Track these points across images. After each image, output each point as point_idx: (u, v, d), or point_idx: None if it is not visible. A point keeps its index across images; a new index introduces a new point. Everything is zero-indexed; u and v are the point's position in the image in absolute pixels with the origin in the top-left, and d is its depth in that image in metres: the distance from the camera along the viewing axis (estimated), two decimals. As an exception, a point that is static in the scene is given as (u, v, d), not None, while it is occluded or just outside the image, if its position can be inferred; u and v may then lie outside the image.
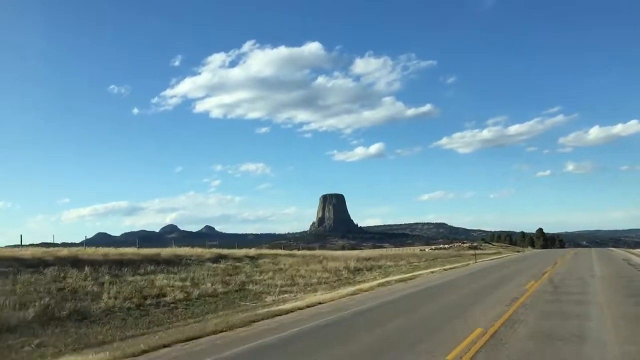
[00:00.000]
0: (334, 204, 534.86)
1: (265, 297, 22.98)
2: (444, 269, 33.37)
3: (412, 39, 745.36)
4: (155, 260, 29.39)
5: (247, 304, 21.20)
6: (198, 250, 36.99)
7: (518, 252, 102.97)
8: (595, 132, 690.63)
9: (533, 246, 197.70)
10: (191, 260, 32.15)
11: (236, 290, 24.67)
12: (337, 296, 19.11)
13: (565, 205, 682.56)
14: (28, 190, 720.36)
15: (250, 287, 25.94)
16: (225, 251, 39.84)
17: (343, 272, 35.93)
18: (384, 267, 43.02)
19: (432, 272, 30.70)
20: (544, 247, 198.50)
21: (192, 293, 22.46)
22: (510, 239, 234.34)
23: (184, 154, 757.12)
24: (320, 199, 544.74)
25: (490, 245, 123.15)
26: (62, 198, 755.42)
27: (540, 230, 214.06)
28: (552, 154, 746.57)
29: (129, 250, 31.56)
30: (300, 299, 22.20)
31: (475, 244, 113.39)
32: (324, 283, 30.21)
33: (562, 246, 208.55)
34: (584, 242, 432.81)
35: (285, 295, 24.04)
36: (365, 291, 20.84)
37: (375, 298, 17.75)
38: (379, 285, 22.96)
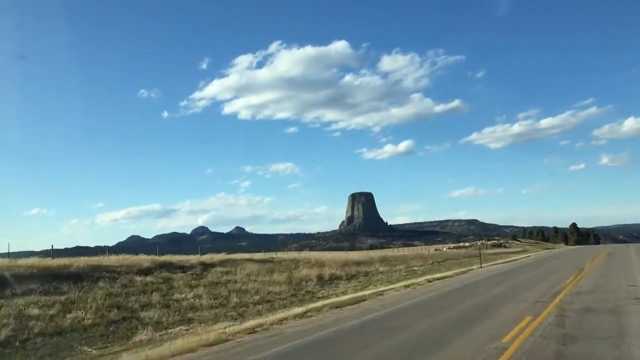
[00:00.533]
0: (363, 202, 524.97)
1: (140, 335, 15.38)
2: (429, 280, 25.12)
3: (440, 34, 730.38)
4: (56, 275, 22.43)
5: (90, 350, 13.66)
6: (134, 259, 29.78)
7: (547, 249, 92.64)
8: (630, 124, 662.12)
9: (567, 242, 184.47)
10: (113, 272, 24.97)
11: (115, 321, 17.22)
12: (201, 342, 11.35)
13: (600, 198, 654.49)
14: (62, 196, 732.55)
15: (147, 313, 18.49)
16: (176, 258, 32.65)
17: (309, 284, 28.30)
18: (372, 274, 35.06)
19: (406, 286, 22.56)
20: (578, 242, 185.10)
21: (32, 328, 15.20)
22: (543, 234, 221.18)
23: (213, 156, 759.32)
24: (349, 197, 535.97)
25: (518, 243, 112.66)
26: (96, 202, 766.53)
27: (574, 225, 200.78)
28: (585, 147, 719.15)
29: (27, 262, 24.38)
30: (190, 334, 14.65)
31: (501, 241, 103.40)
32: (268, 302, 22.66)
33: (597, 242, 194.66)
34: (621, 237, 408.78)
35: (178, 328, 16.47)
36: (266, 329, 13.11)
37: (237, 354, 9.92)
38: (307, 312, 15.13)
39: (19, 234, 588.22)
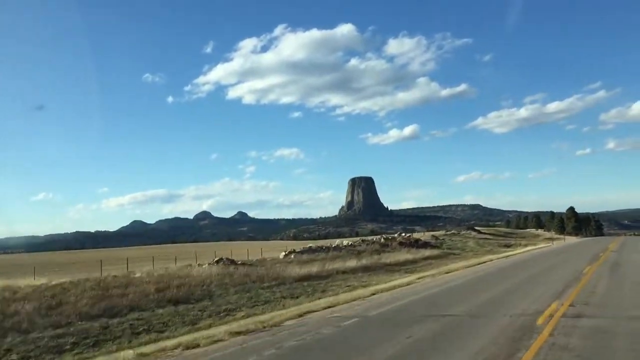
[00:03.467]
0: (363, 187, 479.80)
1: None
2: None
3: (448, 17, 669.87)
4: None
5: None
6: None
7: (508, 247, 49.63)
8: (638, 107, 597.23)
9: (563, 229, 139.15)
10: None
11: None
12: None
13: (606, 183, 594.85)
14: (68, 180, 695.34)
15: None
16: None
17: None
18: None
19: None
20: (577, 229, 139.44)
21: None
22: (539, 220, 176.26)
23: (218, 141, 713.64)
24: (349, 182, 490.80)
25: (474, 235, 67.96)
26: (101, 187, 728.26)
27: (572, 209, 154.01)
28: (592, 131, 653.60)
29: None
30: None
31: (424, 236, 59.49)
32: None
33: (599, 231, 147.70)
34: (626, 222, 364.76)
35: None
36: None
37: None
38: None
39: (25, 218, 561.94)
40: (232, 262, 29.31)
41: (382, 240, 47.16)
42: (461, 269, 23.29)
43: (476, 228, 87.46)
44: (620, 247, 39.93)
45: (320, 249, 38.25)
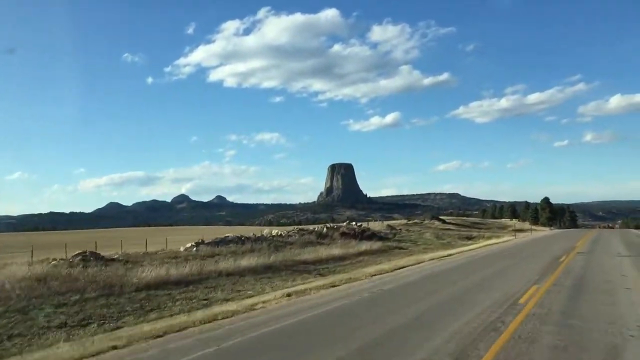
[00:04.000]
0: (343, 173, 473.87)
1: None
2: None
3: (432, 4, 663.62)
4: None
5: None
6: None
7: (469, 240, 43.58)
8: (616, 101, 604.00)
9: (536, 220, 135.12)
10: None
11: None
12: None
13: (582, 175, 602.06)
14: (44, 160, 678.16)
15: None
16: None
17: None
18: None
19: None
20: (551, 220, 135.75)
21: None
22: (515, 210, 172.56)
23: (198, 124, 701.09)
24: (328, 168, 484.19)
25: (438, 224, 61.71)
26: (77, 168, 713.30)
27: (546, 200, 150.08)
28: (570, 123, 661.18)
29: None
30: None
31: (403, 223, 53.17)
32: None
33: (573, 223, 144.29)
34: (600, 213, 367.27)
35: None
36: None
37: None
38: None
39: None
40: (96, 257, 22.44)
41: (325, 230, 40.65)
42: (365, 278, 16.83)
43: (441, 217, 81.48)
44: (592, 244, 34.09)
45: (238, 240, 31.56)
